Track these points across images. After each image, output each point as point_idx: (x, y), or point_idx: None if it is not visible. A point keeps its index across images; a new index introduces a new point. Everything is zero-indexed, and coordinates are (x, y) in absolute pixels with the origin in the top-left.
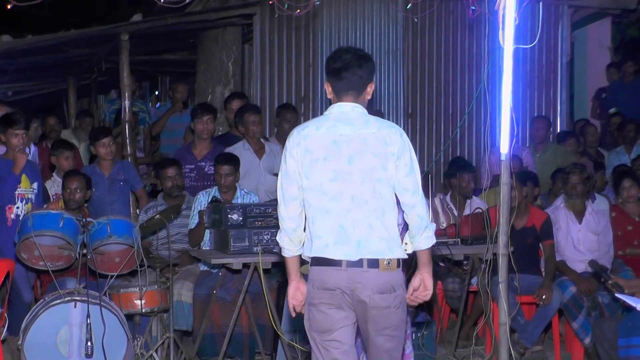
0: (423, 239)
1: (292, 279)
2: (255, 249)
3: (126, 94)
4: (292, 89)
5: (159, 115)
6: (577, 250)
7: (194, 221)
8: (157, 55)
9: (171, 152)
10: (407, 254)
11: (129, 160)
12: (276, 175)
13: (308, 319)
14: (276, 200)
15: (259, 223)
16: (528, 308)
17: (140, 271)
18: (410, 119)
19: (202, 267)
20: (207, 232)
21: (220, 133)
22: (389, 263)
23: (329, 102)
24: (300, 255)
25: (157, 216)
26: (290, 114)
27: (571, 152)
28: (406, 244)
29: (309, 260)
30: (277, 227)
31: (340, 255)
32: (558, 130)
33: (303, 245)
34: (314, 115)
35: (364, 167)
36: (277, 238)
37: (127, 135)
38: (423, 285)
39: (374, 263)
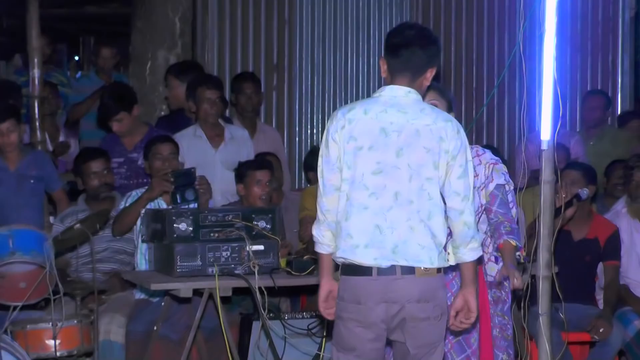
0: (468, 249)
1: (326, 280)
2: (210, 270)
3: (35, 60)
4: (260, 54)
5: (80, 90)
6: None
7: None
8: (77, 9)
9: (98, 141)
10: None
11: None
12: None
13: (335, 332)
14: (237, 204)
15: (216, 235)
16: (579, 349)
17: (54, 300)
18: None
19: (138, 295)
20: (143, 246)
21: (162, 113)
22: (427, 269)
23: (311, 73)
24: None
25: (77, 226)
26: (249, 85)
27: (635, 138)
28: (448, 253)
29: (340, 264)
30: (239, 240)
31: (371, 260)
32: (619, 111)
33: None
34: (290, 88)
35: (413, 162)
36: (314, 232)
37: (36, 117)
38: (467, 307)
39: (409, 270)
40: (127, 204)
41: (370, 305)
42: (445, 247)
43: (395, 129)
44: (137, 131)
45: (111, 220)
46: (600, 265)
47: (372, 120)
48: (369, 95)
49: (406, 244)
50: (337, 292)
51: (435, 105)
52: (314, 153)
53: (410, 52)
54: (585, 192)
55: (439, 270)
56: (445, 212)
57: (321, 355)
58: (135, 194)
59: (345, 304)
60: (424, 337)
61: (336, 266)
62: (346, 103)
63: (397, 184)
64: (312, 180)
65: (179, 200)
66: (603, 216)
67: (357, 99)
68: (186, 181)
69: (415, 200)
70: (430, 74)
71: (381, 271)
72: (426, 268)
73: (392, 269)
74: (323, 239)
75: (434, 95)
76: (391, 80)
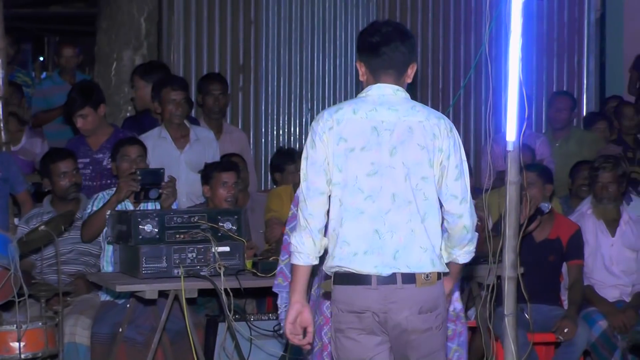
0: (463, 252)
1: (296, 299)
2: (175, 271)
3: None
4: (226, 55)
5: (44, 92)
6: (609, 272)
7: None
8: (42, 8)
9: (63, 141)
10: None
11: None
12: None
13: (336, 348)
14: (202, 206)
15: (181, 237)
16: (544, 349)
17: (19, 302)
18: None
19: (104, 297)
20: (109, 248)
21: (129, 115)
22: (427, 277)
23: (277, 73)
24: (319, 268)
25: (42, 227)
26: (216, 87)
27: (601, 139)
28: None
29: (331, 274)
30: (205, 242)
31: (370, 267)
32: (584, 112)
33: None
34: (256, 89)
35: (409, 160)
36: (292, 240)
37: (0, 118)
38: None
39: (409, 278)
40: (94, 207)
41: (369, 314)
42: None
43: (387, 127)
44: (103, 132)
45: (77, 222)
46: (565, 265)
47: (362, 120)
48: (335, 96)
49: (407, 249)
50: (332, 304)
51: None
52: (280, 154)
53: (392, 49)
54: (546, 206)
55: (439, 277)
56: (442, 214)
57: (287, 357)
58: (101, 196)
59: (343, 314)
60: (426, 348)
61: (326, 276)
62: (312, 104)
63: (393, 184)
64: (278, 181)
65: (141, 197)
66: (565, 216)
67: (323, 99)
68: (153, 180)
69: (412, 201)
70: (411, 71)
71: (381, 280)
72: (427, 276)
73: (392, 278)
74: (302, 247)
75: None
76: (374, 81)
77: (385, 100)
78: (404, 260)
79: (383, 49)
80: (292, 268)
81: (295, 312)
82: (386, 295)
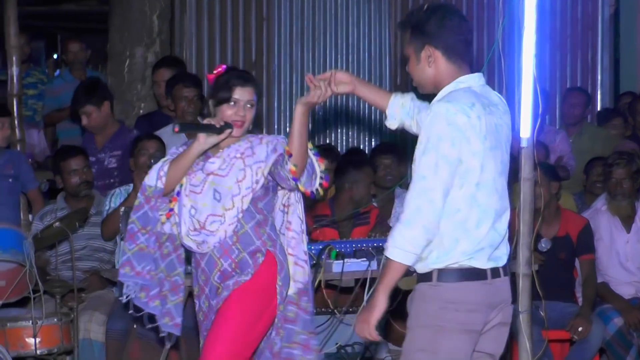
0: None
1: (383, 298)
2: (189, 268)
3: (14, 59)
4: (239, 52)
5: (55, 90)
6: (623, 269)
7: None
8: (55, 5)
9: (75, 138)
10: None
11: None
12: None
13: (435, 351)
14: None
15: None
16: (559, 347)
17: (34, 299)
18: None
19: (118, 293)
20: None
21: (142, 112)
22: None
23: (289, 70)
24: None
25: (57, 224)
26: None
27: (615, 136)
28: None
29: (436, 272)
30: None
31: (487, 263)
32: (598, 108)
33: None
34: (269, 86)
35: (506, 157)
36: (408, 237)
37: (15, 115)
38: None
39: (506, 270)
40: (111, 204)
41: (483, 310)
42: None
43: (500, 122)
44: (108, 130)
45: (91, 219)
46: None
47: (490, 116)
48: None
49: (504, 242)
50: (430, 301)
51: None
52: None
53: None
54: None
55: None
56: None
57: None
58: (118, 192)
59: (458, 314)
60: (504, 341)
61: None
62: (324, 101)
63: (505, 183)
64: None
65: None
66: (576, 212)
67: (334, 96)
68: None
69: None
70: None
71: (494, 273)
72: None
73: (497, 271)
74: (416, 248)
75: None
76: (458, 72)
77: (486, 93)
78: (499, 254)
79: (469, 35)
80: (393, 265)
81: (381, 309)
82: (496, 289)
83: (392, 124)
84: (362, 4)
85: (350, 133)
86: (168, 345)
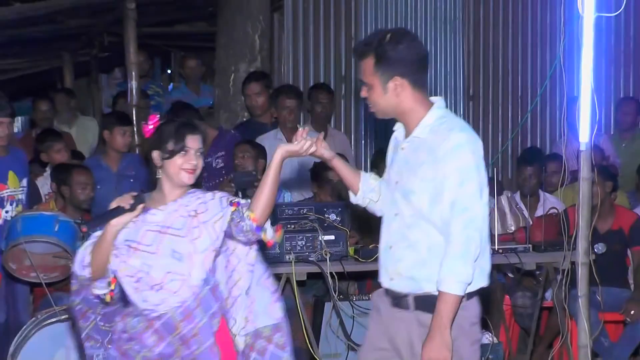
0: None
1: (449, 332)
2: (287, 257)
3: (132, 73)
4: (330, 67)
5: (173, 101)
6: None
7: None
8: (169, 27)
9: None
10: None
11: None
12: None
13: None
14: (310, 200)
15: (292, 226)
16: (614, 327)
17: None
18: (472, 102)
19: None
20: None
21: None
22: None
23: None
24: None
25: None
26: (324, 95)
27: None
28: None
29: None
30: (313, 231)
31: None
32: None
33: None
34: (357, 98)
35: None
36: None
37: (134, 123)
38: None
39: None
40: None
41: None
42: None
43: None
44: (209, 138)
45: None
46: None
47: None
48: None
49: None
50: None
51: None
52: (378, 154)
53: None
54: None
55: None
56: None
57: None
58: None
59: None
60: None
61: None
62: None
63: None
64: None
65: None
66: (628, 208)
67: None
68: (246, 181)
69: None
70: None
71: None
72: None
73: None
74: (470, 278)
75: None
76: (424, 97)
77: None
78: None
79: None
80: (453, 300)
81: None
82: None
83: (358, 199)
84: (438, 23)
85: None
86: None
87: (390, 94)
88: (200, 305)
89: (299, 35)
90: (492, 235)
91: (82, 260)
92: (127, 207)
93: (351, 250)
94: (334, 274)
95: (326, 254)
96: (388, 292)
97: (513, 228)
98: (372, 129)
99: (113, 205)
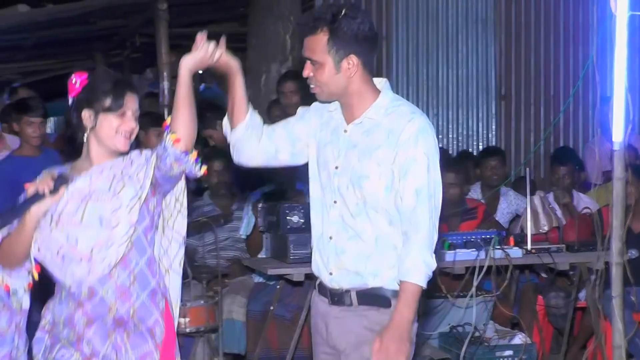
0: None
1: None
2: None
3: (164, 74)
4: None
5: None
6: None
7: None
8: (200, 27)
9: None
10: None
11: None
12: None
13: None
14: None
15: None
16: None
17: (184, 283)
18: (504, 102)
19: (257, 279)
20: (263, 237)
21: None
22: None
23: (406, 83)
24: None
25: (204, 219)
26: None
27: None
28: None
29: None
30: None
31: None
32: None
33: None
34: None
35: None
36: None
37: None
38: None
39: None
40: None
41: None
42: None
43: None
44: None
45: (233, 214)
46: None
47: None
48: (457, 102)
49: None
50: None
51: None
52: None
53: None
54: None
55: None
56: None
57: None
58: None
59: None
60: None
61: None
62: (437, 110)
63: None
64: None
65: None
66: None
67: (446, 106)
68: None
69: None
70: None
71: None
72: None
73: None
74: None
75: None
76: (370, 80)
77: None
78: None
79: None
80: (418, 291)
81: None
82: None
83: (239, 130)
84: (470, 24)
85: (460, 138)
86: (301, 324)
87: (342, 73)
88: (135, 281)
89: None
90: (524, 236)
91: None
92: (47, 192)
93: None
94: None
95: None
96: (324, 290)
97: (546, 228)
98: None
99: (31, 190)
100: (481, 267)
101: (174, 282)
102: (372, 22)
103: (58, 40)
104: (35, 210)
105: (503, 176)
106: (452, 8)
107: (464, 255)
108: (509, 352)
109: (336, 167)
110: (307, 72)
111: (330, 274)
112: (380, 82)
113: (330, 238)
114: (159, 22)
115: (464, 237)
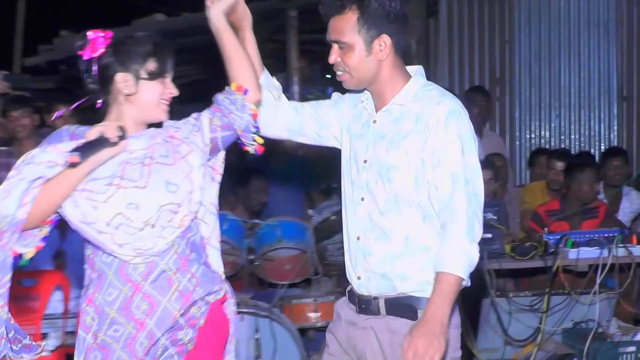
0: None
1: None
2: None
3: (294, 79)
4: (484, 70)
5: None
6: None
7: None
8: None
9: None
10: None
11: None
12: None
13: None
14: None
15: None
16: None
17: (315, 280)
18: (625, 103)
19: None
20: None
21: None
22: None
23: (529, 86)
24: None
25: (333, 217)
26: (481, 97)
27: None
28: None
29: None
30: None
31: None
32: None
33: None
34: (511, 100)
35: None
36: (473, 253)
37: None
38: None
39: None
40: None
41: None
42: None
43: None
44: None
45: None
46: None
47: None
48: (579, 104)
49: None
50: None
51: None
52: (536, 153)
53: None
54: None
55: None
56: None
57: (541, 328)
58: None
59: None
60: None
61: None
62: (559, 111)
63: None
64: (532, 177)
65: None
66: None
67: (568, 107)
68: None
69: None
70: None
71: None
72: None
73: None
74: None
75: None
76: (402, 65)
77: None
78: None
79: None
80: (457, 282)
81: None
82: None
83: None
84: (591, 27)
85: (582, 139)
86: None
87: (373, 56)
88: (193, 251)
89: (454, 40)
90: None
91: (24, 194)
92: (114, 139)
93: (508, 248)
94: (492, 271)
95: (483, 253)
96: (352, 297)
97: None
98: (527, 129)
99: (93, 133)
100: (604, 265)
101: (212, 256)
102: (402, 0)
103: (194, 47)
104: (100, 156)
105: (625, 176)
106: (574, 11)
107: (587, 253)
108: (632, 348)
109: (365, 161)
110: (334, 58)
111: (359, 278)
112: (414, 69)
113: (358, 239)
114: (289, 28)
115: (587, 236)
